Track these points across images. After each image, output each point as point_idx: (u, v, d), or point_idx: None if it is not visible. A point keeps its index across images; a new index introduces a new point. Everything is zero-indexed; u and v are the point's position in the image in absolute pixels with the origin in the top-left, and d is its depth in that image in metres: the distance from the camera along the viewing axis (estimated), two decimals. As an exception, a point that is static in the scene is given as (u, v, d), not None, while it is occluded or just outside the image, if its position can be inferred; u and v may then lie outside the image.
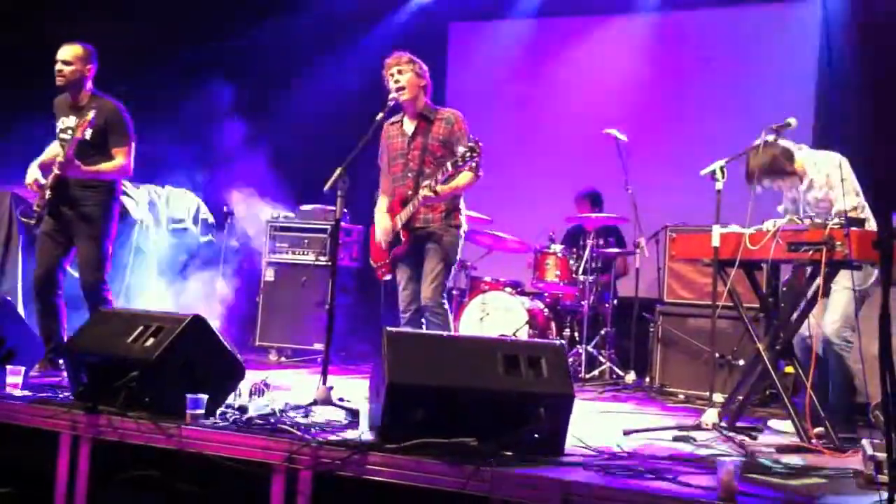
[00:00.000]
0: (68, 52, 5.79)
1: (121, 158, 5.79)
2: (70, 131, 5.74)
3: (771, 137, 5.01)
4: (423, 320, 5.42)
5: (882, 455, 3.29)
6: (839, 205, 4.89)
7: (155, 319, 4.48)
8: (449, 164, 5.12)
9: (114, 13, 8.35)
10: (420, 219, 5.39)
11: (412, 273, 5.49)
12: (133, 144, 5.85)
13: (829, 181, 4.99)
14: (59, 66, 5.77)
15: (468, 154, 5.06)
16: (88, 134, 5.62)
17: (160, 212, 8.03)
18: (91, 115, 5.57)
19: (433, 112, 5.49)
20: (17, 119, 7.76)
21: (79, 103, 5.83)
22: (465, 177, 5.32)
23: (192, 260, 8.33)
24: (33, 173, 5.82)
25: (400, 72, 5.41)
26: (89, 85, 5.87)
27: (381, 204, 5.61)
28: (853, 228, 4.41)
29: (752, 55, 8.63)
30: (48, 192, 5.69)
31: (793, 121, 5.07)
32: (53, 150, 5.93)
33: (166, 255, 8.02)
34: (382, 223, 5.53)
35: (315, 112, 9.20)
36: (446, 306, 5.45)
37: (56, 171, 5.62)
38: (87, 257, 5.79)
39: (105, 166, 5.76)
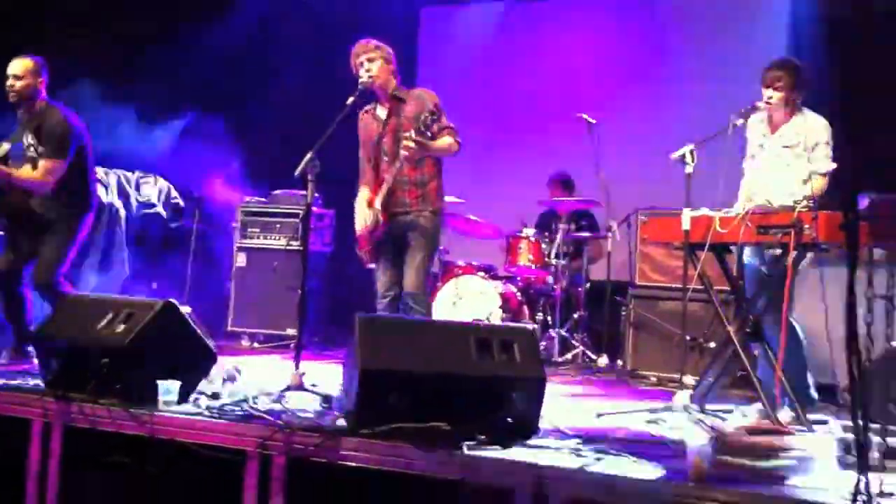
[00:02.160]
0: (19, 66, 5.67)
1: (40, 172, 5.61)
2: (32, 149, 5.65)
3: (739, 122, 5.05)
4: (401, 307, 5.40)
5: (850, 436, 3.33)
6: (822, 165, 4.99)
7: (126, 305, 4.45)
8: (412, 132, 5.12)
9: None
10: (398, 202, 5.37)
11: (391, 258, 5.46)
12: (63, 162, 5.63)
13: (815, 137, 5.05)
14: (10, 82, 5.65)
15: (429, 116, 5.11)
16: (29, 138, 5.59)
17: (130, 196, 7.98)
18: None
19: (405, 93, 5.48)
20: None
21: (33, 116, 5.72)
22: (444, 140, 5.31)
23: (162, 244, 8.29)
24: None
25: (370, 59, 5.38)
26: (42, 95, 5.75)
27: (361, 195, 5.56)
28: (821, 211, 4.46)
29: (722, 39, 8.66)
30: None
31: (761, 105, 5.12)
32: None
33: (137, 240, 7.97)
34: (362, 214, 5.50)
35: (286, 97, 9.15)
36: (428, 294, 5.43)
37: None
38: (42, 260, 5.70)
39: (23, 173, 5.62)
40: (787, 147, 5.12)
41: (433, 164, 5.45)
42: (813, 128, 5.08)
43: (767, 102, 5.12)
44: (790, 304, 4.92)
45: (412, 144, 5.12)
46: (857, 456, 3.12)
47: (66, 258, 5.76)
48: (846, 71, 7.53)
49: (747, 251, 5.23)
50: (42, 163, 5.61)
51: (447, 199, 6.06)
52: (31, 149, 5.67)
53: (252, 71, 9.40)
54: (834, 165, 5.05)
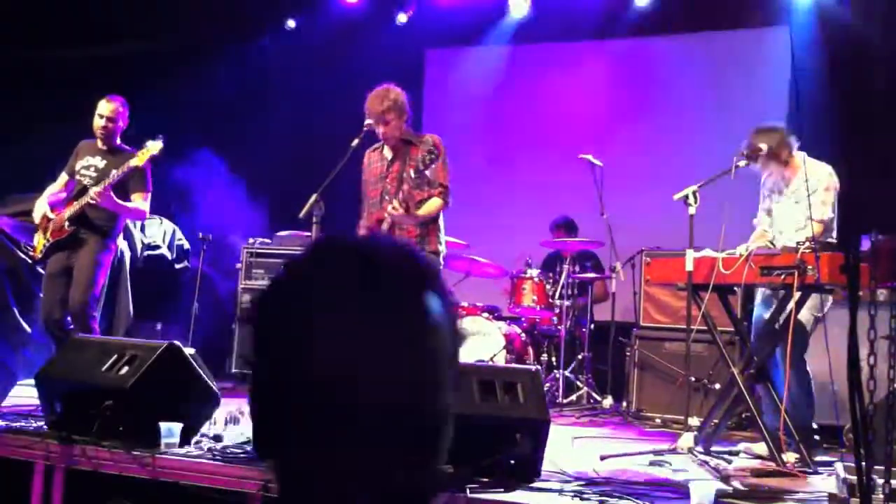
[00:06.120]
0: (110, 109, 6.08)
1: (139, 203, 6.04)
2: (93, 169, 6.01)
3: (742, 163, 5.07)
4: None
5: (854, 478, 3.31)
6: (817, 212, 4.95)
7: (129, 348, 4.46)
8: (412, 171, 5.10)
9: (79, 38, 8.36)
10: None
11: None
12: (150, 193, 6.11)
13: (815, 185, 5.03)
14: (104, 123, 6.07)
15: (428, 157, 5.05)
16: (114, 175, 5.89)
17: (135, 237, 7.99)
18: (132, 161, 5.86)
19: (414, 137, 5.47)
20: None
21: (109, 149, 6.11)
22: (433, 203, 5.32)
23: (167, 286, 8.29)
24: (42, 208, 6.04)
25: (387, 122, 5.31)
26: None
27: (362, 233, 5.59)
28: (823, 252, 4.47)
29: (724, 80, 8.71)
30: (67, 224, 5.90)
31: (764, 146, 5.13)
32: (60, 186, 6.17)
33: (141, 281, 7.97)
34: None
35: (291, 138, 9.20)
36: None
37: (91, 199, 5.80)
38: (78, 278, 5.91)
39: (131, 205, 6.00)
40: (798, 203, 5.13)
41: None
42: (815, 176, 5.07)
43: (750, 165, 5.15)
44: (804, 345, 4.92)
45: (397, 210, 5.14)
46: (860, 498, 3.10)
47: (99, 279, 5.97)
48: (848, 113, 7.57)
49: (758, 303, 5.24)
50: (138, 195, 6.02)
51: (451, 239, 6.07)
52: (93, 170, 6.02)
53: (255, 111, 9.44)
54: (831, 215, 5.04)
